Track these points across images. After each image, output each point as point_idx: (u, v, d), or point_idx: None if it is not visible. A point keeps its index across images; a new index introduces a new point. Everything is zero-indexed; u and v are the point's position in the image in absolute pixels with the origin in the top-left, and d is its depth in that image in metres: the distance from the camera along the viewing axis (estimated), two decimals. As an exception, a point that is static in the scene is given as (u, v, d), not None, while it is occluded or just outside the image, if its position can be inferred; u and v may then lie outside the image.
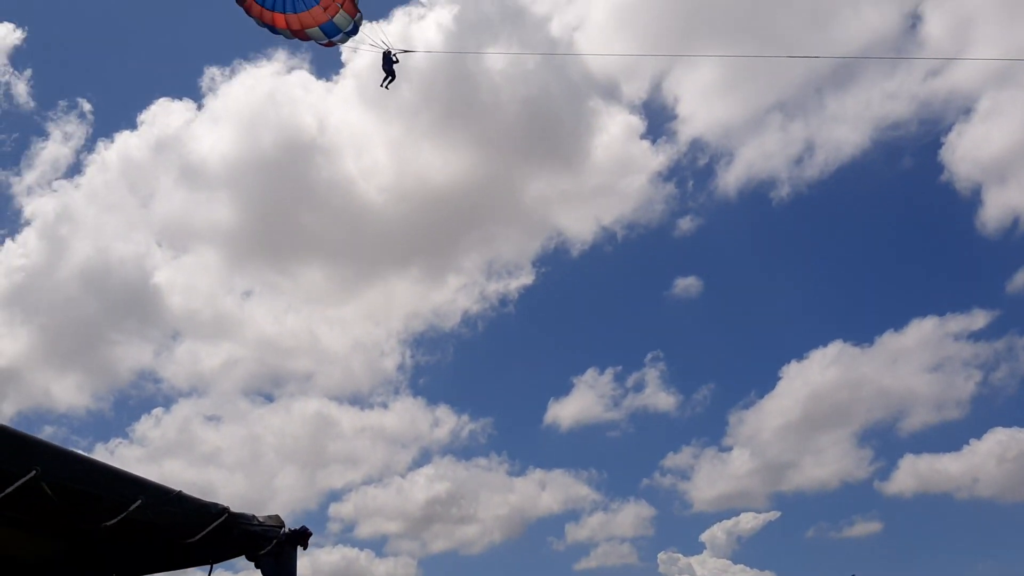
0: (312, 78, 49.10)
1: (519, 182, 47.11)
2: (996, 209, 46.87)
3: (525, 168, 46.75)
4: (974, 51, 41.96)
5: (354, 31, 26.07)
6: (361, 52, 44.23)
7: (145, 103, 48.10)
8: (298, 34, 25.96)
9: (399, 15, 46.60)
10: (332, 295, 49.22)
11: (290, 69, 48.72)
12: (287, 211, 46.05)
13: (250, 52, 50.13)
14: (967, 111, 44.78)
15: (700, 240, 51.40)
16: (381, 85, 27.31)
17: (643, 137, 49.33)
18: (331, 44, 26.26)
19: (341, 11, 25.87)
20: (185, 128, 47.99)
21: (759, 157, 48.75)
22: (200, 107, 48.84)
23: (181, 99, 48.19)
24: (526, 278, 50.47)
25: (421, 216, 46.50)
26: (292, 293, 48.96)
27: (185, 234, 48.42)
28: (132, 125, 48.78)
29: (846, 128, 46.64)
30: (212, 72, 49.35)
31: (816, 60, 43.28)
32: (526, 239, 49.50)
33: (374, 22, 26.01)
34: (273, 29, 25.72)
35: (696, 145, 48.35)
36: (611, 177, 48.53)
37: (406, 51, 26.72)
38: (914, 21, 44.49)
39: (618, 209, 50.15)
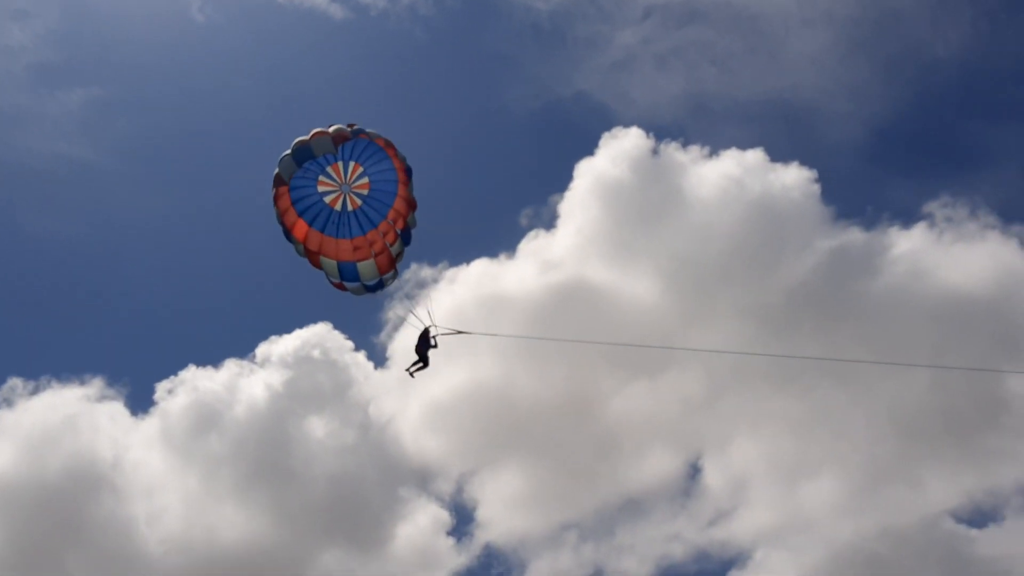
0: (125, 411, 45.51)
1: (310, 556, 42.91)
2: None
3: (321, 542, 43.09)
4: (749, 508, 43.99)
5: (376, 287, 20.99)
6: (177, 394, 40.98)
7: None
8: (311, 256, 20.74)
9: (230, 364, 44.37)
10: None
11: (102, 398, 45.25)
12: (52, 545, 40.20)
13: (64, 372, 47.37)
14: (743, 562, 47.29)
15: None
16: (407, 371, 21.16)
17: (450, 533, 47.02)
18: (340, 286, 20.96)
19: (372, 261, 20.91)
20: (-36, 439, 43.13)
21: (551, 574, 48.53)
22: (-10, 419, 44.26)
23: (-25, 406, 44.38)
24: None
25: (200, 573, 40.84)
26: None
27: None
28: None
29: (633, 560, 47.46)
30: (15, 383, 45.59)
31: (608, 493, 42.42)
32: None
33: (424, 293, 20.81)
34: (287, 234, 20.56)
35: (490, 550, 47.11)
36: (409, 568, 44.82)
37: (459, 332, 20.69)
38: (694, 471, 47.61)
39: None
